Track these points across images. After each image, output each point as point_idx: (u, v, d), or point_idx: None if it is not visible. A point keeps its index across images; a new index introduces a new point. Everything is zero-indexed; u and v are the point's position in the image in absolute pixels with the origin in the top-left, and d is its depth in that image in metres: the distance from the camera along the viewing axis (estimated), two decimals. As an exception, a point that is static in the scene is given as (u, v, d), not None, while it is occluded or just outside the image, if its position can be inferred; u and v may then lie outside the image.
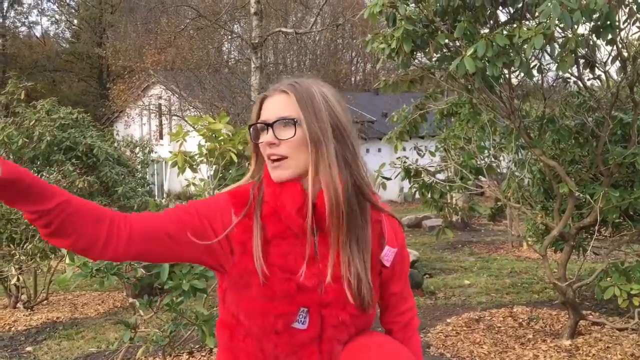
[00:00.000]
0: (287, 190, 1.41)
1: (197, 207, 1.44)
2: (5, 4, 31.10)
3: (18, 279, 6.46)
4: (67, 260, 2.87)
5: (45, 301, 7.06)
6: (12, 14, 32.35)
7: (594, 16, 3.48)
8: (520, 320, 5.52)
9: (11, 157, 6.80)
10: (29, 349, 5.45)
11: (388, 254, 1.49)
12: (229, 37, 21.64)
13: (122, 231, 1.34)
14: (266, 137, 1.41)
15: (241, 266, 1.42)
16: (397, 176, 5.19)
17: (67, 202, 1.27)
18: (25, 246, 6.23)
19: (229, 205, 1.44)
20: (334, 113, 1.42)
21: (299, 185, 1.40)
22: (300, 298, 1.41)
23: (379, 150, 21.32)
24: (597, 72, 4.36)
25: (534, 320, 5.47)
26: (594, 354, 4.46)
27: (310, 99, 1.41)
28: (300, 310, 1.42)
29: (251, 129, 1.46)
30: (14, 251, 6.32)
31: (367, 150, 21.78)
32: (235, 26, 21.32)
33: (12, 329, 6.17)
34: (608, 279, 4.32)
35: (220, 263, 1.45)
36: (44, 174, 6.93)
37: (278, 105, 1.42)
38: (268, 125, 1.40)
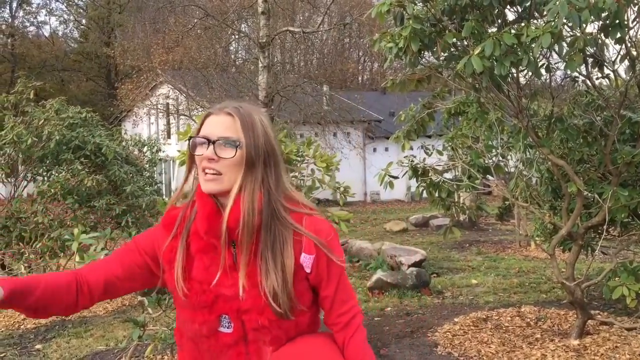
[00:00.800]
0: (203, 210, 1.57)
1: (138, 242, 1.68)
2: (14, 4, 31.26)
3: (27, 277, 6.49)
4: (77, 259, 2.89)
5: (54, 299, 7.09)
6: (21, 13, 32.54)
7: (603, 15, 3.46)
8: (528, 319, 5.50)
9: (20, 155, 6.84)
10: (38, 346, 5.49)
11: (305, 260, 1.60)
12: (237, 36, 21.66)
13: (84, 290, 1.60)
14: (206, 151, 1.53)
15: (169, 282, 1.65)
16: (404, 175, 5.19)
17: (43, 290, 1.51)
18: (34, 245, 6.27)
19: (163, 230, 1.66)
20: (269, 140, 1.58)
21: (214, 205, 1.57)
22: (219, 307, 1.58)
23: (386, 149, 21.30)
24: (606, 71, 4.34)
25: (542, 320, 5.46)
26: (602, 354, 4.44)
27: (252, 125, 1.56)
28: (222, 317, 1.59)
29: (191, 141, 1.58)
30: (23, 249, 6.36)
31: (374, 150, 21.75)
32: (243, 25, 21.33)
33: (22, 326, 6.21)
34: (616, 278, 4.31)
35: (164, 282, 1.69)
36: (53, 172, 6.97)
37: (222, 125, 1.55)
38: (210, 142, 1.53)
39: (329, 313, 1.66)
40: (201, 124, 1.59)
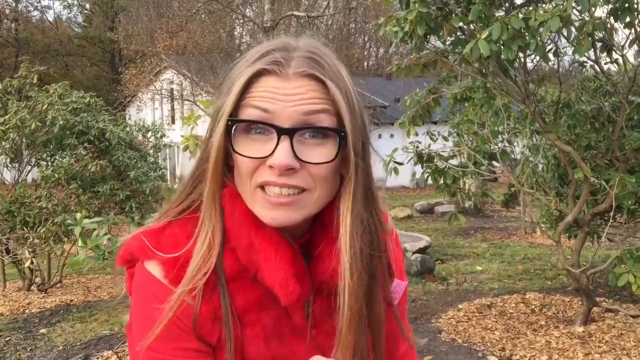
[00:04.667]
0: (278, 260, 0.86)
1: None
2: (18, -12, 31.16)
3: (32, 262, 6.52)
4: (80, 243, 2.88)
5: (59, 284, 7.12)
6: (25, -2, 32.40)
7: (612, -2, 3.41)
8: (533, 306, 5.49)
9: (24, 140, 6.83)
10: (43, 331, 5.51)
11: (397, 289, 1.03)
12: (241, 20, 21.56)
13: None
14: (278, 155, 0.81)
15: None
16: (409, 161, 5.15)
17: None
18: (38, 229, 6.27)
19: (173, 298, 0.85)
20: (363, 116, 0.89)
21: (294, 250, 0.88)
22: None
23: (392, 135, 21.23)
24: (614, 55, 4.28)
25: (547, 307, 5.44)
26: (607, 341, 4.43)
27: (349, 93, 0.86)
28: None
29: (234, 128, 0.84)
30: (27, 234, 6.37)
31: (380, 136, 21.68)
32: (247, 10, 21.22)
33: (27, 311, 6.24)
34: (622, 265, 4.28)
35: None
36: (57, 157, 6.96)
37: (305, 100, 0.83)
38: (284, 133, 0.82)
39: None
40: (242, 90, 0.84)
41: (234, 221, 0.87)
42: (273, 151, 0.81)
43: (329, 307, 0.90)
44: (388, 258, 0.98)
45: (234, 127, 0.83)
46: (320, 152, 0.82)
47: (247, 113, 0.83)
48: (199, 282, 0.85)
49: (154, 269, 0.88)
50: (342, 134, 0.83)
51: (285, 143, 0.81)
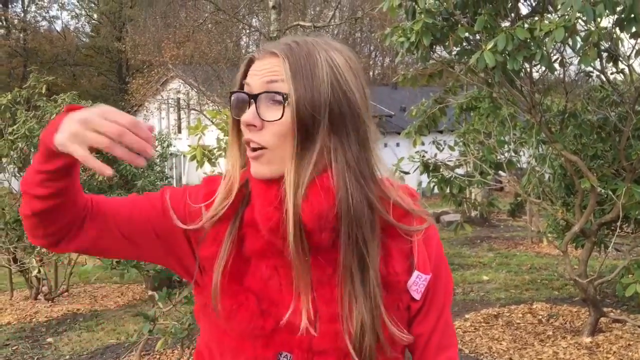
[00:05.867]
0: (262, 197, 1.03)
1: (169, 200, 1.11)
2: (27, -1, 31.45)
3: (39, 271, 6.54)
4: (87, 253, 2.90)
5: (66, 293, 7.14)
6: (33, 8, 32.71)
7: (618, 8, 3.42)
8: (540, 316, 5.47)
9: (32, 150, 6.87)
10: (49, 340, 5.53)
11: (418, 283, 1.09)
12: (247, 31, 21.68)
13: (87, 223, 1.07)
14: (245, 114, 1.02)
15: (205, 287, 1.10)
16: (415, 170, 5.16)
17: (77, 189, 1.04)
18: (46, 238, 6.29)
19: (201, 203, 1.10)
20: (343, 90, 1.01)
21: (278, 190, 1.02)
22: (280, 339, 1.05)
23: (397, 144, 21.21)
24: (621, 65, 4.29)
25: (554, 317, 5.42)
26: (614, 352, 4.40)
27: (310, 67, 1.00)
28: (281, 355, 1.06)
29: (233, 98, 1.07)
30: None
31: (385, 145, 21.71)
32: (254, 20, 21.33)
33: (33, 320, 6.26)
34: (630, 275, 4.26)
35: (190, 271, 1.13)
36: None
37: (266, 71, 1.02)
38: (251, 98, 1.02)
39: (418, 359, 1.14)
40: (244, 74, 1.07)
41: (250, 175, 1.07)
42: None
43: (325, 273, 1.04)
44: (403, 229, 1.08)
45: (232, 97, 1.06)
46: (274, 113, 1.00)
47: (236, 90, 1.07)
48: (219, 210, 1.07)
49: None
50: (285, 96, 0.99)
51: (252, 106, 1.01)
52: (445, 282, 1.15)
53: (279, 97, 1.00)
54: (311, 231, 1.00)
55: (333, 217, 1.00)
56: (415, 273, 1.09)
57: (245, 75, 1.06)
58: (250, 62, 1.06)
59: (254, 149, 1.02)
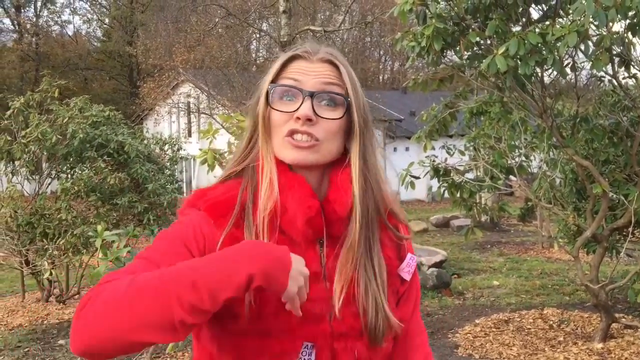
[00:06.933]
0: (294, 190, 1.11)
1: (186, 241, 1.08)
2: (39, 3, 31.70)
3: (51, 274, 6.58)
4: (100, 255, 2.92)
5: (77, 295, 7.17)
6: (45, 13, 32.92)
7: (630, 13, 3.41)
8: (551, 322, 5.44)
9: (45, 153, 6.92)
10: (61, 342, 5.56)
11: (411, 263, 1.23)
12: (258, 35, 21.75)
13: None
14: (303, 108, 1.09)
15: None
16: (425, 175, 5.16)
17: None
18: (58, 241, 6.34)
19: (208, 220, 1.11)
20: (364, 99, 1.18)
21: (307, 183, 1.12)
22: (305, 330, 1.09)
23: (407, 149, 21.21)
24: (633, 70, 4.28)
25: (565, 323, 5.39)
26: (626, 358, 4.37)
27: (355, 80, 1.16)
28: (304, 346, 1.09)
29: (273, 91, 1.13)
30: (47, 246, 6.44)
31: (395, 149, 21.68)
32: (264, 24, 21.40)
33: (45, 322, 6.30)
34: (642, 281, 4.24)
35: None
36: (77, 170, 7.05)
37: (324, 75, 1.13)
38: (307, 95, 1.10)
39: (399, 343, 1.24)
40: (281, 67, 1.16)
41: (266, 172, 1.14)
42: (299, 107, 1.10)
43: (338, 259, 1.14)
44: (389, 227, 1.20)
45: (272, 91, 1.13)
46: (332, 113, 1.12)
47: (282, 83, 1.14)
48: (234, 217, 1.12)
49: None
50: (348, 99, 1.12)
51: (308, 102, 1.10)
52: (417, 280, 1.29)
53: (340, 99, 1.13)
54: (333, 221, 1.13)
55: (366, 212, 1.14)
56: (409, 255, 1.23)
57: (282, 68, 1.16)
58: (292, 59, 1.16)
59: (306, 140, 1.11)
